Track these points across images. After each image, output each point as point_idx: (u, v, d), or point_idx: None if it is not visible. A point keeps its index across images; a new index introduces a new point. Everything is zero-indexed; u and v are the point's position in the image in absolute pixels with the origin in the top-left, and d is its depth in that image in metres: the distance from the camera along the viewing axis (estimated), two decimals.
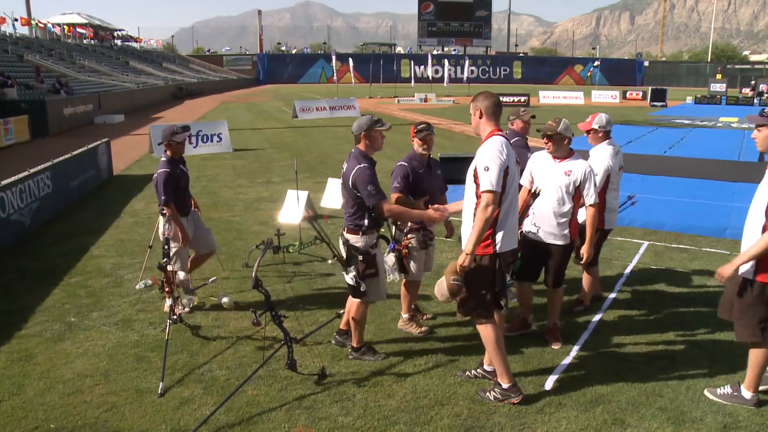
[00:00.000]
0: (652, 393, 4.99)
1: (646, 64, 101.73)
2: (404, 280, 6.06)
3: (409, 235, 5.89)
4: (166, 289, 5.85)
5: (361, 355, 5.54)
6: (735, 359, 5.37)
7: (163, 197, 6.41)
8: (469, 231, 4.58)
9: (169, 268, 6.60)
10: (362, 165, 5.15)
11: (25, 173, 10.04)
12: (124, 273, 7.97)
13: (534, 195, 5.55)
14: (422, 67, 69.78)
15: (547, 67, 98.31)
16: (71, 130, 26.79)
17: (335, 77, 51.37)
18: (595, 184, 5.66)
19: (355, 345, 5.56)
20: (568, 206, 5.58)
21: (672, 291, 7.33)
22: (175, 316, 5.73)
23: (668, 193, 12.67)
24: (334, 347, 5.78)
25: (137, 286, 7.43)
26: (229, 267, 8.03)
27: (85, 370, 5.38)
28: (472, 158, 4.70)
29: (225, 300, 6.73)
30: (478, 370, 5.23)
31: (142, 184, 14.15)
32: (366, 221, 5.25)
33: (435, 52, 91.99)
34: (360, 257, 5.28)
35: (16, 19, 52.06)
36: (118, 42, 77.82)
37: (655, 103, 44.42)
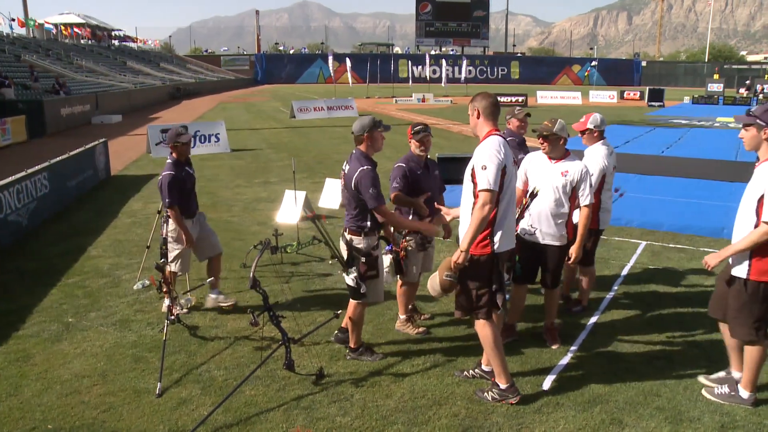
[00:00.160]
0: (649, 393, 4.99)
1: (644, 64, 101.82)
2: (400, 281, 6.05)
3: (407, 237, 5.87)
4: (164, 290, 5.85)
5: (359, 356, 5.54)
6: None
7: (167, 200, 6.35)
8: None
9: (171, 268, 6.59)
10: (365, 167, 5.14)
11: (23, 173, 10.02)
12: (122, 273, 7.96)
13: (532, 195, 5.54)
14: (420, 67, 69.90)
15: (545, 67, 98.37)
16: (69, 130, 26.76)
17: (333, 77, 51.29)
18: (591, 185, 5.66)
19: (352, 345, 5.56)
20: (565, 207, 5.58)
21: (669, 291, 7.34)
22: (172, 317, 5.72)
23: (666, 193, 12.69)
24: (332, 347, 5.78)
25: (135, 287, 7.42)
26: (227, 267, 8.02)
27: (82, 371, 5.38)
28: (469, 158, 4.71)
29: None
30: (476, 370, 5.24)
31: (140, 184, 14.14)
32: (368, 222, 5.25)
33: (433, 52, 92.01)
34: (363, 259, 5.27)
35: (14, 19, 52.00)
36: (116, 42, 77.80)
37: (653, 103, 44.47)
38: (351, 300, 5.44)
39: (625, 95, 53.91)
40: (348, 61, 54.10)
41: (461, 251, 4.52)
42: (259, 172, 15.97)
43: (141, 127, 26.41)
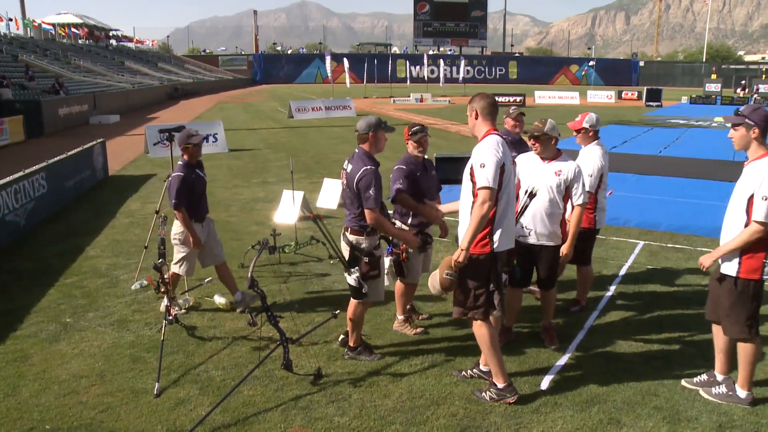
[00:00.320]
0: (647, 392, 5.00)
1: (642, 64, 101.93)
2: (399, 282, 6.04)
3: None
4: (162, 290, 5.84)
5: (357, 355, 5.54)
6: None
7: (173, 201, 6.30)
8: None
9: (174, 270, 6.56)
10: (369, 167, 5.13)
11: (20, 173, 10.01)
12: (120, 273, 7.96)
13: (531, 195, 5.54)
14: (418, 67, 69.95)
15: (543, 67, 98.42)
16: (66, 130, 26.74)
17: (331, 77, 51.32)
18: (584, 184, 5.67)
19: (351, 344, 5.56)
20: (559, 206, 5.59)
21: (667, 291, 7.35)
22: (170, 317, 5.72)
23: (663, 192, 12.70)
24: (331, 347, 5.78)
25: (133, 287, 7.41)
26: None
27: (80, 371, 5.37)
28: (468, 158, 4.71)
29: (220, 300, 6.76)
30: (474, 370, 5.24)
31: (138, 184, 14.13)
32: None
33: (431, 53, 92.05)
34: (366, 259, 5.27)
35: (11, 19, 51.94)
36: (114, 42, 77.76)
37: (651, 103, 44.53)
38: (351, 300, 5.44)
39: (622, 95, 53.99)
40: (346, 61, 54.09)
41: (462, 250, 4.52)
42: (257, 172, 15.96)
43: (139, 127, 26.40)
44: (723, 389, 4.89)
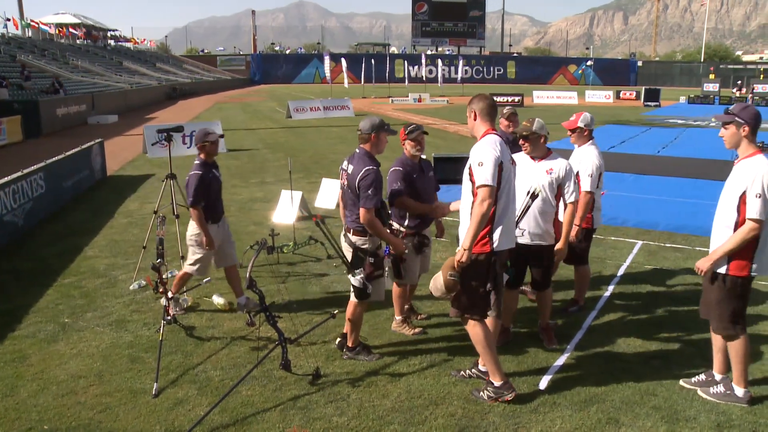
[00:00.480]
0: (646, 392, 5.00)
1: (640, 64, 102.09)
2: (395, 283, 6.03)
3: (404, 241, 5.85)
4: (161, 290, 5.83)
5: (356, 355, 5.54)
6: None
7: (191, 199, 6.25)
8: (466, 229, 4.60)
9: (187, 270, 6.53)
10: (371, 167, 5.13)
11: (18, 174, 9.99)
12: (118, 273, 7.95)
13: (533, 196, 5.54)
14: (416, 67, 69.87)
15: (541, 67, 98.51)
16: (64, 130, 26.72)
17: (329, 77, 51.28)
18: (575, 182, 5.67)
19: (350, 344, 5.56)
20: (552, 205, 5.59)
21: (665, 290, 7.36)
22: (169, 317, 5.71)
23: (661, 192, 12.72)
24: (329, 347, 5.78)
25: (131, 287, 7.41)
26: (223, 267, 8.00)
27: (78, 371, 5.37)
28: (466, 158, 4.72)
29: (218, 300, 6.75)
30: (473, 370, 5.24)
31: (136, 184, 14.12)
32: None
33: (429, 52, 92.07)
34: (371, 259, 5.26)
35: (9, 19, 51.88)
36: (112, 42, 77.69)
37: (649, 103, 44.61)
38: (351, 300, 5.43)
39: (621, 95, 54.02)
40: (344, 62, 54.07)
41: (464, 249, 4.52)
42: (256, 172, 15.95)
43: (137, 127, 26.39)
44: (721, 388, 4.90)
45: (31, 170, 10.55)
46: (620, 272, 7.95)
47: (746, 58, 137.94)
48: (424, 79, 62.18)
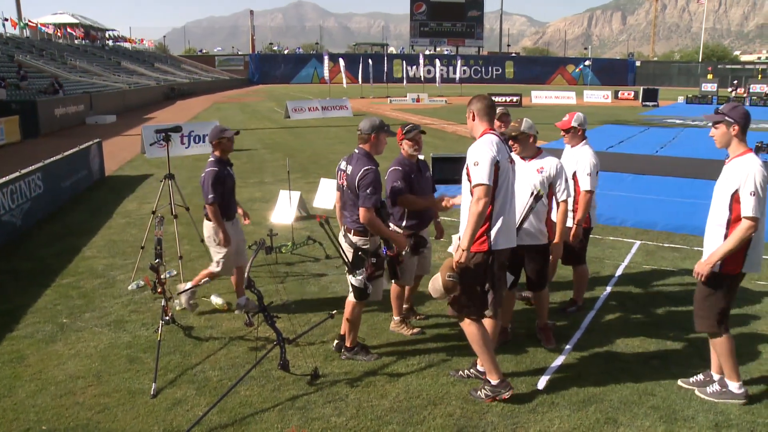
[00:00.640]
0: (644, 392, 5.01)
1: (638, 64, 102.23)
2: (393, 284, 6.03)
3: None
4: (158, 290, 5.83)
5: (354, 355, 5.53)
6: None
7: (209, 196, 6.19)
8: None
9: (212, 270, 6.50)
10: (370, 167, 5.13)
11: (16, 174, 9.98)
12: (117, 274, 7.94)
13: (537, 198, 5.54)
14: (414, 67, 69.87)
15: (540, 67, 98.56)
16: (62, 130, 26.69)
17: (327, 77, 51.25)
18: (567, 180, 5.67)
19: (348, 345, 5.56)
20: (544, 204, 5.59)
21: (664, 290, 7.37)
22: (167, 317, 5.70)
23: (660, 192, 12.73)
24: (327, 347, 5.77)
25: (129, 287, 7.40)
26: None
27: (77, 372, 5.36)
28: (464, 158, 4.72)
29: (216, 300, 6.75)
30: (471, 370, 5.24)
31: (135, 184, 14.12)
32: None
33: (427, 52, 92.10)
34: (373, 259, 5.26)
35: (7, 19, 51.83)
36: (110, 42, 77.63)
37: (647, 103, 44.66)
38: (350, 301, 5.43)
39: (619, 95, 54.07)
40: (342, 62, 54.04)
41: (462, 249, 4.52)
42: (254, 172, 15.95)
43: (135, 127, 26.37)
44: (717, 387, 4.91)
45: (29, 170, 10.54)
46: (618, 272, 7.96)
47: (744, 58, 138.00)
48: (422, 79, 62.22)
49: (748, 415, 4.67)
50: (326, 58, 52.92)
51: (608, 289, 7.37)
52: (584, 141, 6.39)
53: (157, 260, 6.08)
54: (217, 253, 6.46)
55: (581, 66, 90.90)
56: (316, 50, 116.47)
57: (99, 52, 63.81)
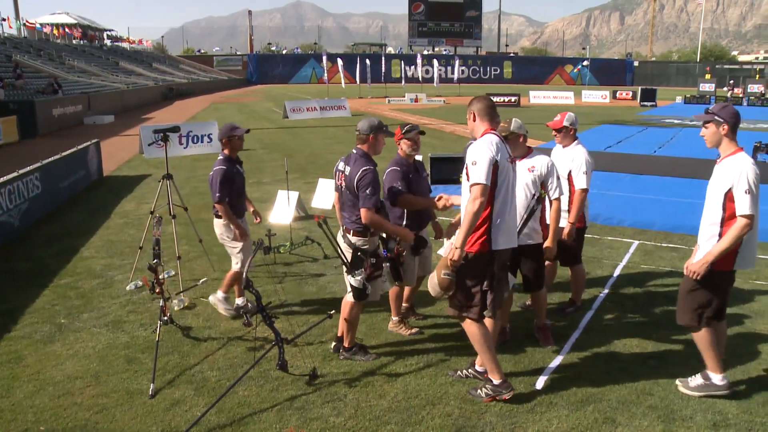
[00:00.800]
0: (642, 392, 5.01)
1: (636, 64, 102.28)
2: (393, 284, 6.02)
3: (402, 243, 5.84)
4: (157, 290, 5.82)
5: (352, 355, 5.53)
6: (727, 358, 5.39)
7: (218, 194, 6.16)
8: None
9: (236, 270, 6.43)
10: (369, 167, 5.13)
11: (14, 174, 9.97)
12: (115, 274, 7.94)
13: (539, 200, 5.54)
14: (413, 67, 69.83)
15: (538, 67, 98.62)
16: (61, 130, 26.67)
17: (326, 77, 51.18)
18: (558, 178, 5.68)
19: (346, 345, 5.56)
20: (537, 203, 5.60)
21: (662, 290, 7.37)
22: (165, 317, 5.70)
23: (658, 192, 12.75)
24: (326, 347, 5.77)
25: (128, 288, 7.39)
26: (220, 268, 8.00)
27: (75, 372, 5.36)
28: (462, 158, 4.73)
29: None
30: (470, 370, 5.24)
31: (133, 184, 14.11)
32: None
33: (425, 53, 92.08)
34: (373, 260, 5.26)
35: (4, 19, 51.79)
36: (108, 42, 77.56)
37: (645, 103, 44.65)
38: (348, 301, 5.42)
39: (617, 95, 54.10)
40: (340, 62, 54.03)
41: (456, 248, 4.52)
42: (252, 172, 15.92)
43: (134, 127, 26.34)
44: (700, 380, 4.93)
45: (27, 170, 10.53)
46: (616, 272, 7.96)
47: (742, 58, 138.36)
48: (420, 79, 62.18)
49: (746, 415, 4.67)
50: (324, 58, 52.91)
51: (606, 289, 7.37)
52: (576, 140, 6.41)
53: (155, 260, 6.07)
54: (233, 248, 6.44)
55: (579, 66, 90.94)
56: (315, 50, 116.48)
57: (97, 52, 63.74)
